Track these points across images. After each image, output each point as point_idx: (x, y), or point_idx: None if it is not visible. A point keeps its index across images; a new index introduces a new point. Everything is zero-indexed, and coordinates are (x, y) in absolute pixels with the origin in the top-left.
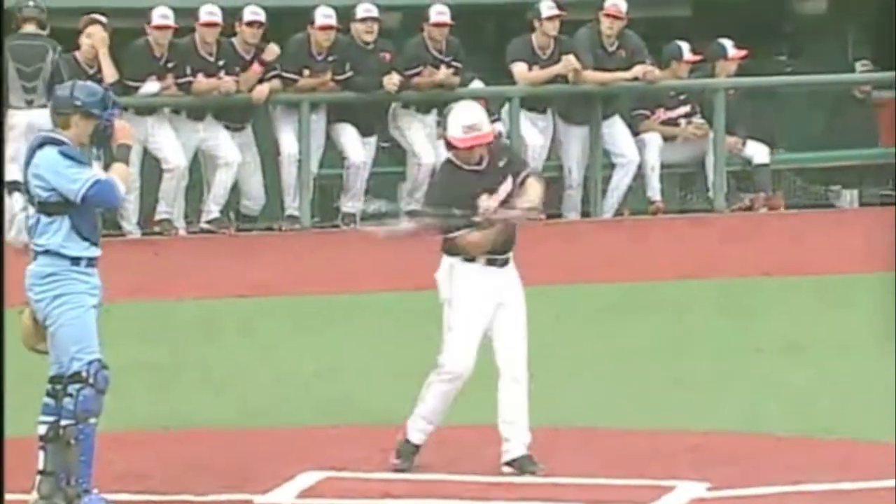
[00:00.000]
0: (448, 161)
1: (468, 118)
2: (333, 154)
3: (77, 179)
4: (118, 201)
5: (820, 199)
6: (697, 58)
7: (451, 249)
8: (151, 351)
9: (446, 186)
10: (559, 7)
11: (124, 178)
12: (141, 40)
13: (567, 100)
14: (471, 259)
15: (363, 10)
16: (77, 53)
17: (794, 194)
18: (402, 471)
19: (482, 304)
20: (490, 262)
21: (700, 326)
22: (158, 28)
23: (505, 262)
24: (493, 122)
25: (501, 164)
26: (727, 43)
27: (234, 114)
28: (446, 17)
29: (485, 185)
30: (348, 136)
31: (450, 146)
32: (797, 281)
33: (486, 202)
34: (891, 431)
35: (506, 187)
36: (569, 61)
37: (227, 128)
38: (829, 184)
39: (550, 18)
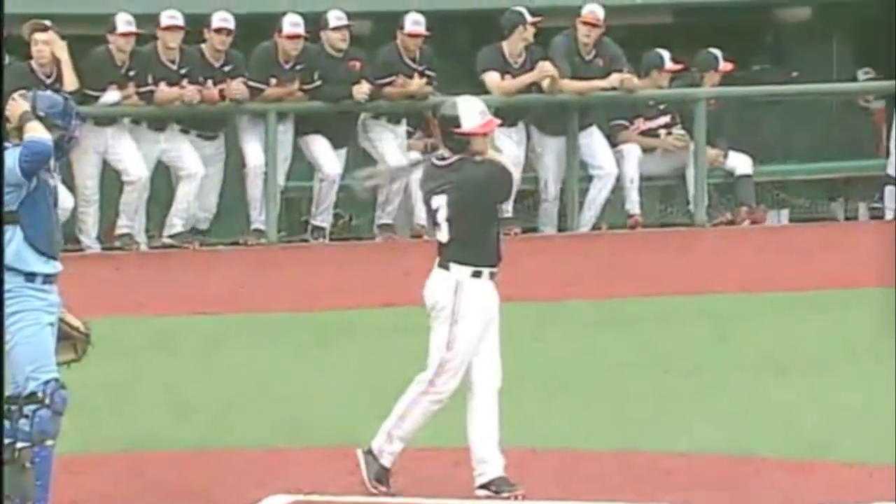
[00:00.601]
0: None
1: (477, 105)
2: (301, 166)
3: (9, 159)
4: (47, 144)
5: (804, 213)
6: (679, 66)
7: (462, 260)
8: (111, 370)
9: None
10: (534, 13)
11: (36, 129)
12: (101, 48)
13: (543, 110)
14: (478, 274)
15: (335, 19)
16: (32, 62)
17: (777, 205)
18: (392, 496)
19: (484, 323)
20: (492, 276)
21: (681, 344)
22: (124, 35)
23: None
24: None
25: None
26: (719, 53)
27: (205, 122)
28: (421, 28)
29: None
30: (321, 147)
31: (464, 137)
32: (782, 297)
33: None
34: (880, 453)
35: None
36: (544, 68)
37: (200, 136)
38: (818, 196)
39: (534, 24)
